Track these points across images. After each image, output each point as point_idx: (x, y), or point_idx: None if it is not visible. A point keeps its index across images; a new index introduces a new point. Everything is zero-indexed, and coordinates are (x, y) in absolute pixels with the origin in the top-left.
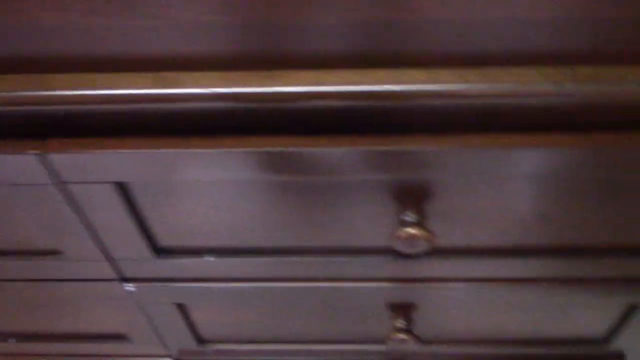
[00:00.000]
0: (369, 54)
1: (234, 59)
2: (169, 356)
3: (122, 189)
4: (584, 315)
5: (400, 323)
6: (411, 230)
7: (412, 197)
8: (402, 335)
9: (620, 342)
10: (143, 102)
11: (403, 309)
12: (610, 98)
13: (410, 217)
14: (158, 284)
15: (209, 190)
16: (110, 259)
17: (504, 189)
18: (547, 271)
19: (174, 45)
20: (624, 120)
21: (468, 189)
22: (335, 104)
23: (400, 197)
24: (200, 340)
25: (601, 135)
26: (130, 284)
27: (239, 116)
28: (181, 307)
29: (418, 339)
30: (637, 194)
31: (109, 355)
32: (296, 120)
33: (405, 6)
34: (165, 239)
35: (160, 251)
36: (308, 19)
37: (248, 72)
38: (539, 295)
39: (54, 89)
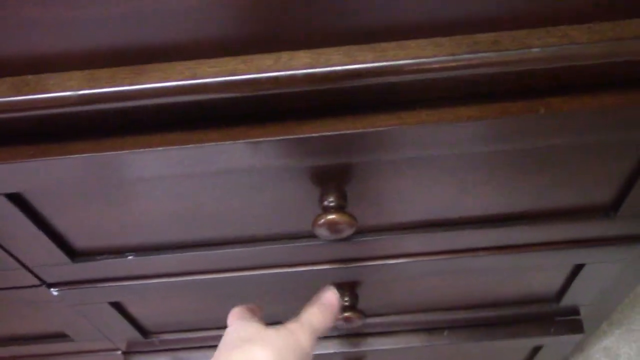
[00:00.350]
0: (246, 38)
1: (105, 55)
2: (118, 349)
3: (17, 199)
4: (534, 278)
5: (344, 301)
6: (330, 217)
7: (332, 182)
8: (347, 314)
9: (573, 298)
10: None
11: (346, 287)
12: (514, 65)
13: (332, 202)
14: (83, 287)
15: (116, 190)
16: (26, 267)
17: (429, 165)
18: (487, 240)
19: (39, 44)
20: (534, 87)
21: (391, 169)
22: (216, 96)
23: (320, 183)
24: (145, 332)
25: (513, 104)
26: (55, 289)
27: (119, 115)
28: (116, 305)
29: (363, 314)
30: (562, 159)
31: (57, 354)
32: (182, 114)
33: None
34: (81, 242)
35: (77, 255)
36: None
37: (118, 68)
38: (485, 263)
39: None
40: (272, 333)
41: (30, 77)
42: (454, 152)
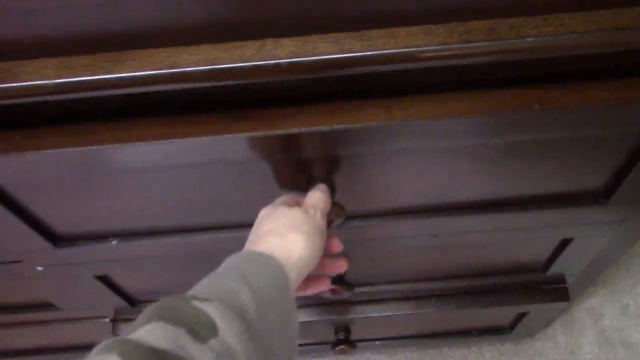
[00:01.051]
0: (228, 24)
1: (79, 42)
2: (106, 317)
3: None
4: (522, 249)
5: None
6: None
7: (319, 172)
8: (334, 286)
9: (560, 268)
10: None
11: None
12: (508, 55)
13: None
14: (68, 266)
15: (96, 181)
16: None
17: (418, 155)
18: (477, 224)
19: (9, 30)
20: (528, 76)
21: (380, 159)
22: (195, 85)
23: (306, 173)
24: (132, 301)
25: (506, 97)
26: (40, 265)
27: (93, 103)
28: (103, 278)
29: (351, 286)
30: (554, 149)
31: (44, 322)
32: (159, 102)
33: None
34: (64, 228)
35: (59, 241)
36: None
37: (94, 56)
38: (474, 240)
39: None
40: (301, 220)
41: (0, 64)
42: (444, 145)
